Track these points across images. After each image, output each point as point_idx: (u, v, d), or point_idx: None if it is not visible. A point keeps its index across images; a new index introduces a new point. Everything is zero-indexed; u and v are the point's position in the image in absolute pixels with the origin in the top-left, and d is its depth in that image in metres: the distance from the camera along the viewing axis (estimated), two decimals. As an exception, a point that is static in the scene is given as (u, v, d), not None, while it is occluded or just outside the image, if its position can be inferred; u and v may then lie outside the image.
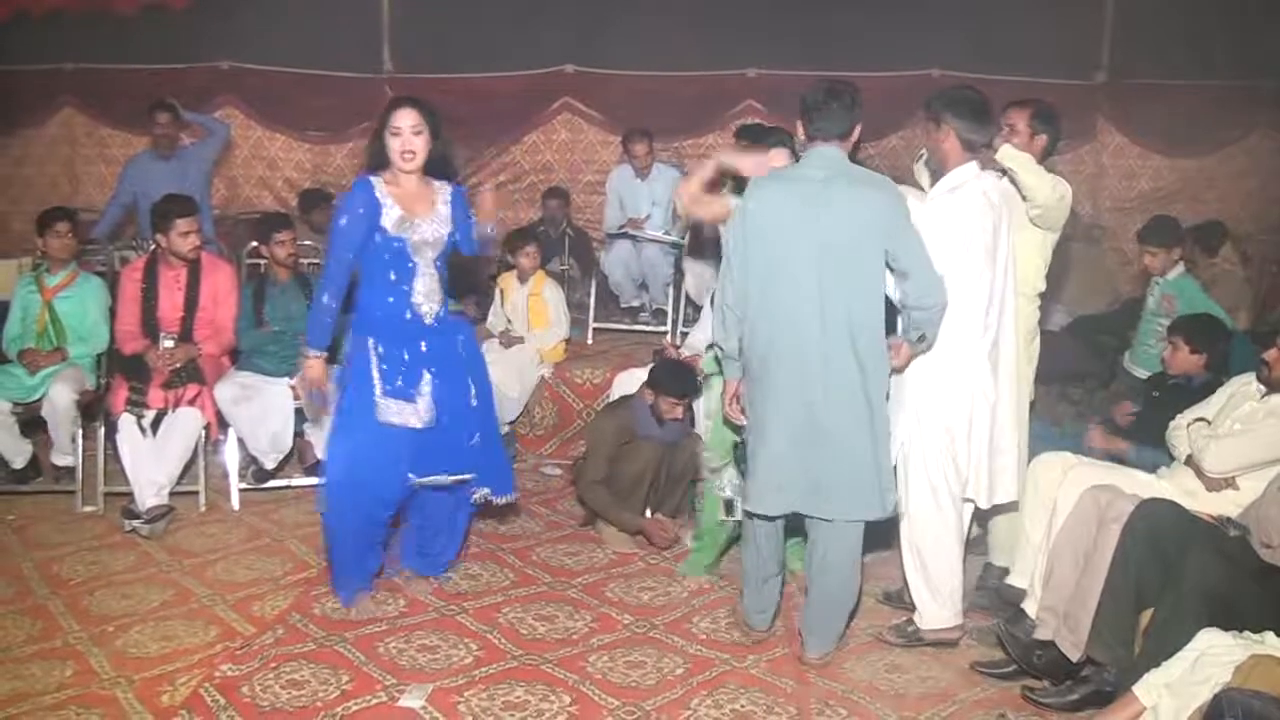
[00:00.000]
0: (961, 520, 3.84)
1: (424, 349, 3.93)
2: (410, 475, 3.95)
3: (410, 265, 3.88)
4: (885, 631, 3.94)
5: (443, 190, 3.96)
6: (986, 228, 3.63)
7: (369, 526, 3.99)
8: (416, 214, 3.87)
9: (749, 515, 3.71)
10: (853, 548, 3.61)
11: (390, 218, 3.82)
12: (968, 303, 3.65)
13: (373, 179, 3.86)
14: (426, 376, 3.92)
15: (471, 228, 4.03)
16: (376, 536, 4.06)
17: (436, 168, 3.94)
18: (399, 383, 3.88)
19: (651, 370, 4.91)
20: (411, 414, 3.89)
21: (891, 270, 3.48)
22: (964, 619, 3.86)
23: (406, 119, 3.80)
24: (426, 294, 3.92)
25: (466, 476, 4.04)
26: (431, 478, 3.99)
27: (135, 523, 4.78)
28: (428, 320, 3.93)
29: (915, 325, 3.53)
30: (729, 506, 4.20)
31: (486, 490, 4.10)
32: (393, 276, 3.88)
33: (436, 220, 3.91)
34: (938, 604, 3.79)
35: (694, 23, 8.11)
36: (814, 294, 3.40)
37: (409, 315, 3.91)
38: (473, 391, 4.04)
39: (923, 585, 3.81)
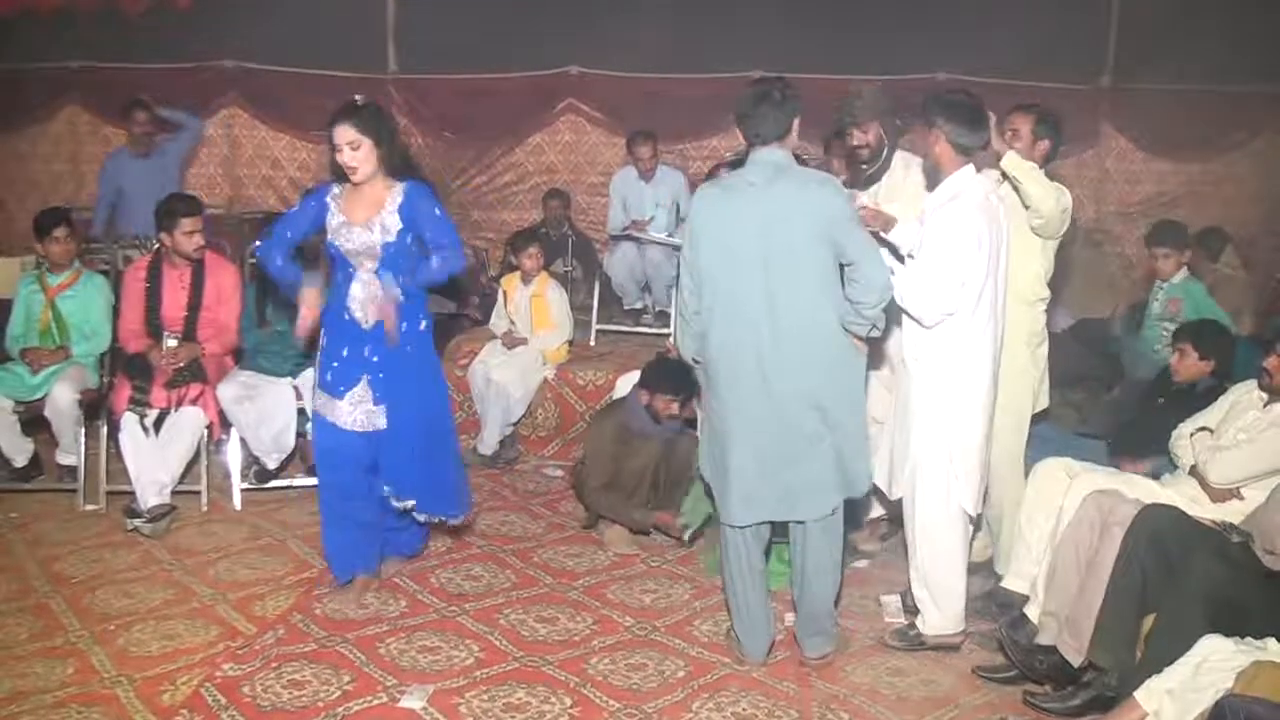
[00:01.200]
0: (969, 530, 3.83)
1: (367, 353, 3.97)
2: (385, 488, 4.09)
3: (349, 270, 3.97)
4: (887, 636, 3.93)
5: (396, 194, 3.92)
6: (988, 236, 3.58)
7: (343, 513, 4.10)
8: (356, 222, 3.91)
9: (728, 531, 3.66)
10: (832, 543, 3.64)
11: (331, 223, 3.96)
12: (977, 313, 3.61)
13: (334, 185, 3.99)
14: (364, 380, 3.97)
15: (431, 216, 3.94)
16: (356, 524, 4.14)
17: (398, 169, 3.97)
18: (328, 377, 4.00)
19: (645, 369, 4.86)
20: (335, 411, 3.99)
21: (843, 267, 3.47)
22: (966, 624, 3.85)
23: (341, 136, 3.82)
24: (362, 302, 3.95)
25: (408, 504, 4.07)
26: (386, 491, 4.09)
27: (137, 521, 4.78)
28: (365, 326, 3.96)
29: (864, 321, 3.46)
30: None
31: (432, 514, 4.16)
32: (339, 278, 4.03)
33: (374, 229, 3.89)
34: (941, 611, 3.79)
35: (698, 25, 8.12)
36: (762, 300, 3.41)
37: (346, 317, 3.98)
38: (419, 405, 4.05)
39: (926, 592, 3.80)
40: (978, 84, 6.88)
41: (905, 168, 4.27)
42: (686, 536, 4.66)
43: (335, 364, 3.99)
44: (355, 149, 3.81)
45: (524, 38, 8.40)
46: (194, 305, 5.16)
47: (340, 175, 3.92)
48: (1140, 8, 8.16)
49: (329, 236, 3.96)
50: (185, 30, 8.27)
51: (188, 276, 5.16)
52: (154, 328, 5.12)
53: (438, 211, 3.98)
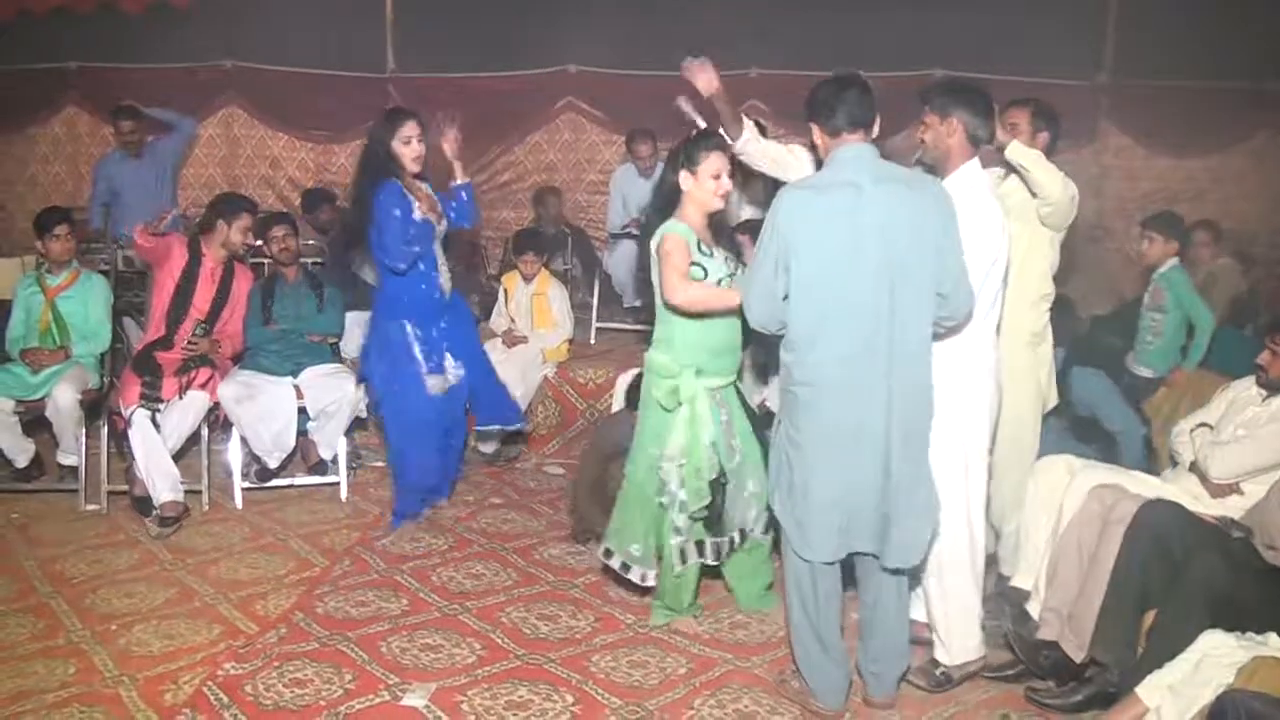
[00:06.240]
0: (984, 540, 3.60)
1: (444, 325, 4.73)
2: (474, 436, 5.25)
3: (432, 251, 4.61)
4: (912, 675, 3.57)
5: (429, 190, 4.66)
6: (1000, 234, 3.41)
7: (435, 447, 4.82)
8: (430, 214, 4.57)
9: (800, 564, 3.30)
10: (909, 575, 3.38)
11: (419, 210, 4.52)
12: (991, 312, 3.44)
13: (392, 180, 4.48)
14: (448, 350, 4.73)
15: (459, 206, 4.79)
16: (445, 451, 4.94)
17: None
18: (434, 361, 4.69)
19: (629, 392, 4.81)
20: (442, 384, 4.71)
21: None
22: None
23: (417, 129, 4.49)
24: (445, 274, 4.69)
25: (504, 427, 5.35)
26: (486, 428, 5.28)
27: (150, 522, 4.83)
28: (446, 299, 4.71)
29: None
30: (682, 554, 3.80)
31: (499, 425, 5.24)
32: (421, 266, 4.59)
33: (442, 222, 4.67)
34: (965, 632, 3.55)
35: (696, 22, 8.10)
36: (879, 314, 3.07)
37: (436, 295, 4.68)
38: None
39: (948, 617, 3.55)
40: (975, 80, 6.88)
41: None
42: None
43: (429, 346, 4.68)
44: (422, 141, 4.48)
45: (522, 36, 8.41)
46: (219, 303, 5.22)
47: (387, 172, 4.46)
48: (1138, 3, 8.15)
49: (419, 219, 4.50)
50: (183, 30, 8.25)
51: (219, 273, 5.23)
52: (179, 311, 5.15)
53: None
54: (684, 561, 3.82)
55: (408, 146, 4.47)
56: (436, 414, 4.75)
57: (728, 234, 4.00)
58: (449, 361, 4.74)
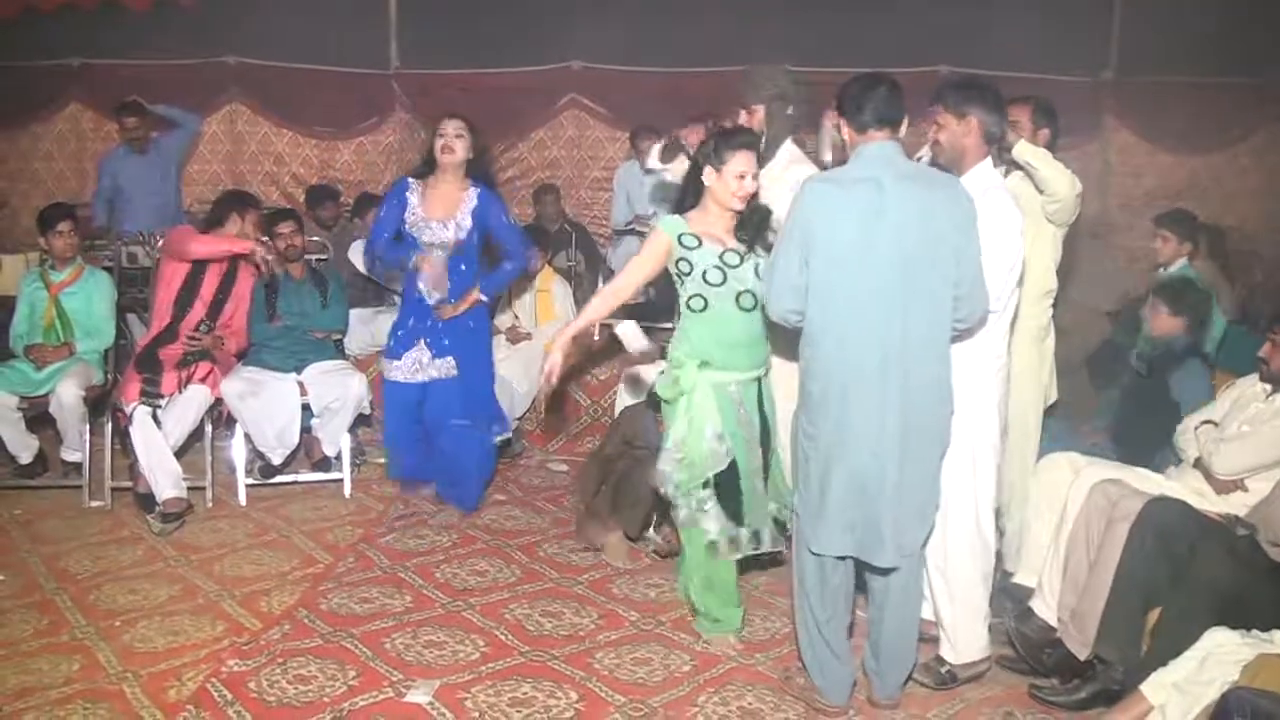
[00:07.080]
0: (992, 538, 3.60)
1: (429, 323, 4.83)
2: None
3: (421, 253, 4.74)
4: (916, 671, 3.54)
5: (470, 196, 4.77)
6: (1017, 233, 3.37)
7: (403, 444, 5.05)
8: (434, 218, 4.72)
9: (810, 559, 3.29)
10: (918, 570, 3.35)
11: (411, 218, 4.75)
12: (1002, 313, 3.41)
13: (410, 180, 4.83)
14: (420, 343, 4.83)
15: (501, 224, 4.88)
16: (412, 451, 5.06)
17: (475, 170, 4.84)
18: (391, 343, 4.90)
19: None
20: (396, 369, 4.86)
21: None
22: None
23: (452, 127, 4.73)
24: (433, 281, 4.78)
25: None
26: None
27: (151, 518, 4.82)
28: (429, 301, 4.80)
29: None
30: (713, 548, 3.72)
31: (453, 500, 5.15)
32: (410, 259, 4.78)
33: (449, 227, 4.74)
34: (972, 631, 3.53)
35: (700, 19, 8.11)
36: (891, 311, 3.05)
37: (416, 295, 4.84)
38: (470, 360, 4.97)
39: (955, 616, 3.53)
40: (980, 76, 6.88)
41: (788, 162, 4.11)
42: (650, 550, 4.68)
43: (400, 333, 4.88)
44: (458, 137, 4.71)
45: (525, 33, 8.41)
46: (221, 295, 5.24)
47: (423, 170, 4.78)
48: (1143, 1, 8.14)
49: (407, 227, 4.75)
50: (188, 27, 8.25)
51: (223, 267, 5.26)
52: (186, 301, 5.16)
53: (505, 219, 4.92)
54: (736, 551, 3.74)
55: (440, 139, 4.71)
56: (397, 406, 4.97)
57: (760, 217, 3.75)
58: (423, 354, 4.83)
